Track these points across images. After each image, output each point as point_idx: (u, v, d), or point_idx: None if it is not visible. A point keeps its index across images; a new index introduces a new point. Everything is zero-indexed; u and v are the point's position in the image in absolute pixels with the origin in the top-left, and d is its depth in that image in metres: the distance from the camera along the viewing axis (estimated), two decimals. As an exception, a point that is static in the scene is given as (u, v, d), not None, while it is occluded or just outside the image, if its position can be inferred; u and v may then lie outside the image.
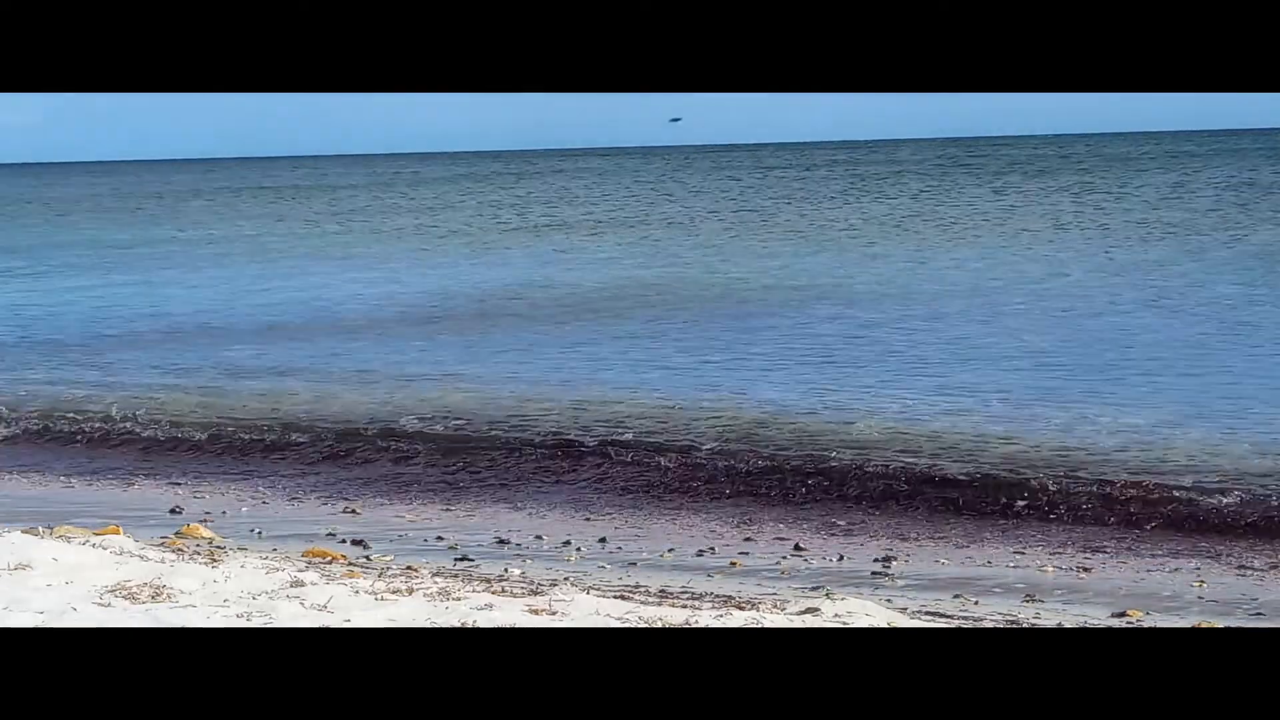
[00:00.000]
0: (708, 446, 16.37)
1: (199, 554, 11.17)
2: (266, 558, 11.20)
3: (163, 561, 10.17)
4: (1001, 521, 13.44)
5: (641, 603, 9.57)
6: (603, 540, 12.96)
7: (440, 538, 13.14)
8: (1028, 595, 11.06)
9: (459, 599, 9.09)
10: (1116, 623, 10.28)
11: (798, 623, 8.87)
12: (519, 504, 14.64)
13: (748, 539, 13.00)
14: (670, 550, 12.51)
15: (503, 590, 9.89)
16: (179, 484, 15.86)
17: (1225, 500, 13.61)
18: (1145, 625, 10.25)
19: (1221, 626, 9.99)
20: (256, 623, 8.28)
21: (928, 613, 10.27)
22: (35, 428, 18.91)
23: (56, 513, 13.80)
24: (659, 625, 8.46)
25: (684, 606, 9.58)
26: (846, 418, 17.45)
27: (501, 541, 12.95)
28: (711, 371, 21.07)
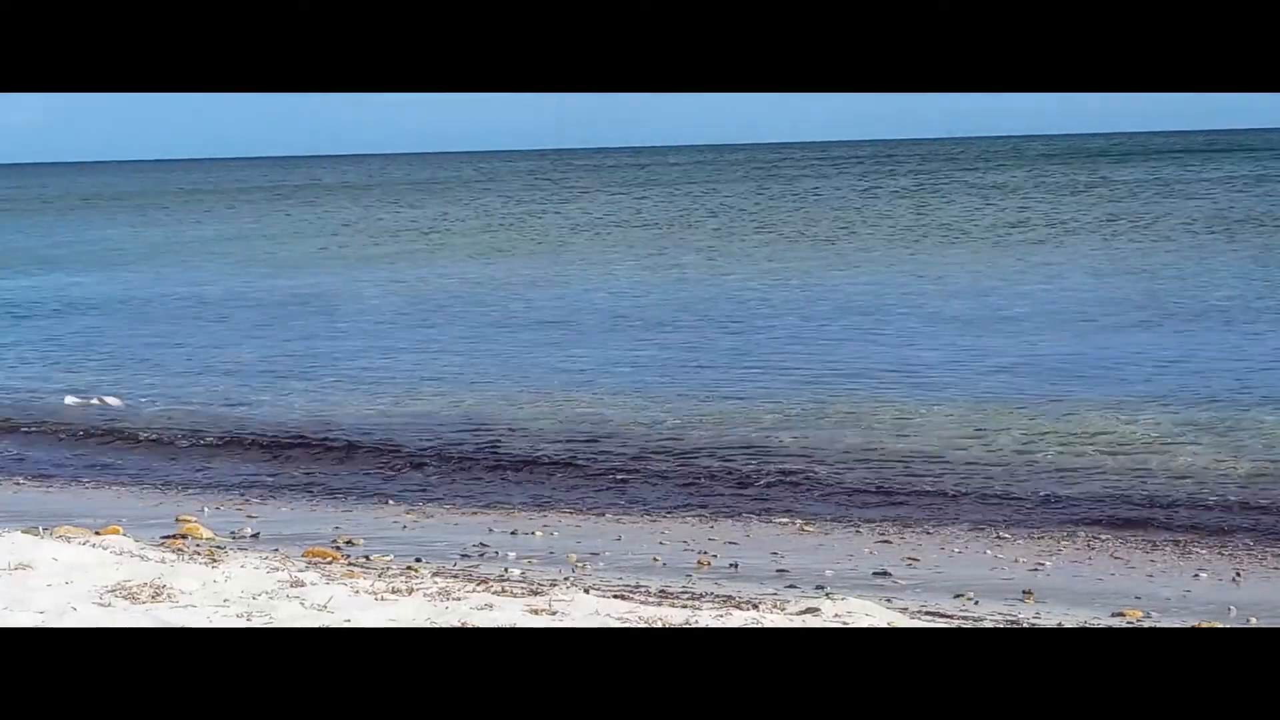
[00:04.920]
0: (703, 452, 16.39)
1: (199, 554, 11.16)
2: (266, 558, 11.20)
3: (163, 561, 10.16)
4: (997, 524, 13.44)
5: (641, 603, 9.56)
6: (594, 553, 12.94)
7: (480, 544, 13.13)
8: (1026, 593, 11.06)
9: (459, 599, 9.09)
10: (1116, 623, 10.27)
11: (798, 623, 8.86)
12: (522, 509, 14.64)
13: (734, 543, 13.00)
14: (658, 557, 12.44)
15: (503, 590, 9.88)
16: (181, 485, 15.86)
17: (1221, 504, 13.62)
18: (1145, 625, 10.25)
19: (1221, 627, 9.98)
20: (256, 623, 8.27)
21: (928, 613, 10.26)
22: (37, 427, 18.91)
23: (57, 513, 13.80)
24: (659, 625, 8.45)
25: (684, 606, 9.57)
26: (843, 422, 17.47)
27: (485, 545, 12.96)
28: (706, 376, 21.08)
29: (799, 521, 13.53)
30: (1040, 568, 11.92)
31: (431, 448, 16.91)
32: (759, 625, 8.49)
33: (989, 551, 12.46)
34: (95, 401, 20.24)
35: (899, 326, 24.98)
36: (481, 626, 8.19)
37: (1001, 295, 28.81)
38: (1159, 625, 10.22)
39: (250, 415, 19.19)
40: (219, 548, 12.08)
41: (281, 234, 56.81)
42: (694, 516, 13.86)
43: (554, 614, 8.67)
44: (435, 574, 10.74)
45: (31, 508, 14.31)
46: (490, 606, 8.84)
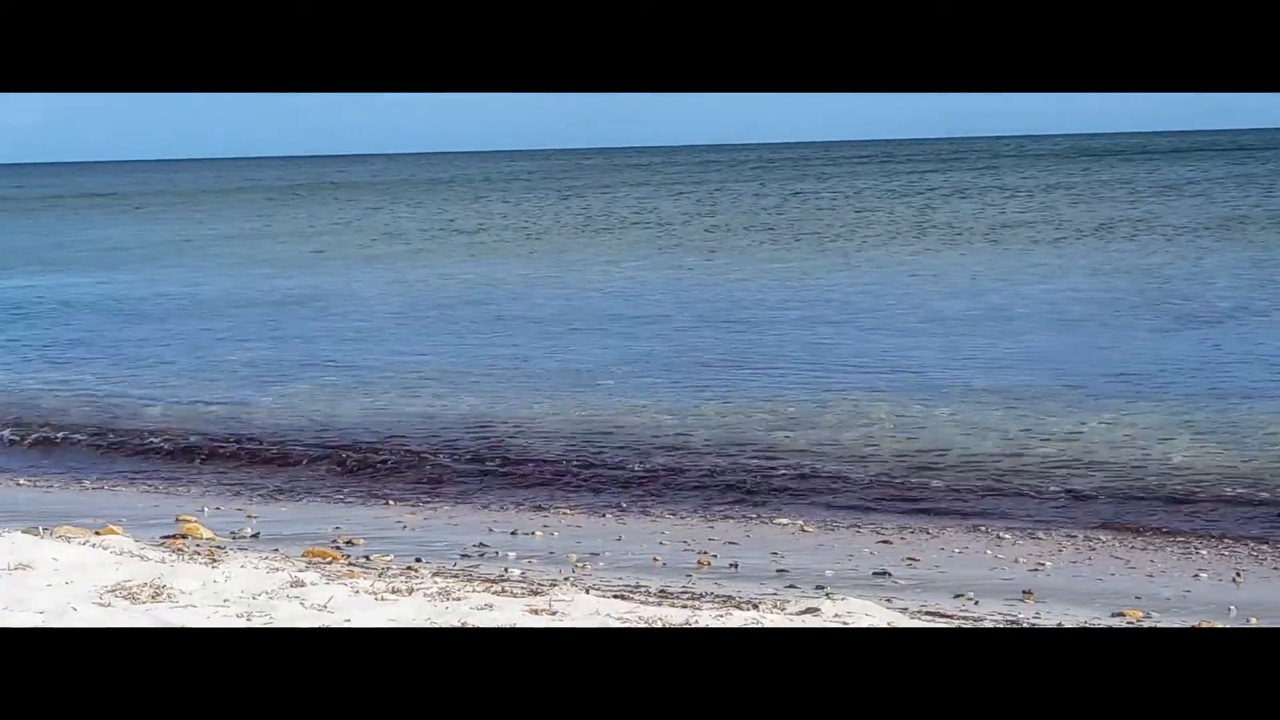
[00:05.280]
0: (703, 452, 16.39)
1: (199, 554, 11.16)
2: (266, 558, 11.19)
3: (163, 561, 10.16)
4: (997, 524, 13.44)
5: (641, 603, 9.56)
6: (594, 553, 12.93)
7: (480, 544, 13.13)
8: (1026, 593, 11.06)
9: (459, 599, 9.09)
10: (1116, 623, 10.27)
11: (798, 623, 8.86)
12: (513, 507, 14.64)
13: (734, 543, 13.00)
14: (658, 557, 12.43)
15: (503, 590, 9.88)
16: (181, 485, 15.86)
17: (1218, 501, 13.63)
18: (1145, 625, 10.24)
19: (1221, 627, 9.98)
20: (256, 623, 8.27)
21: (928, 613, 10.26)
22: (36, 429, 18.90)
23: (56, 513, 13.81)
24: (659, 625, 8.45)
25: (684, 606, 9.57)
26: (842, 422, 17.48)
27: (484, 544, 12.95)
28: (707, 376, 21.09)
29: (799, 521, 13.53)
30: (1040, 568, 11.92)
31: (431, 448, 16.91)
32: (759, 625, 8.49)
33: (989, 551, 12.46)
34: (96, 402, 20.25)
35: (899, 326, 24.98)
36: (481, 626, 8.19)
37: (1001, 295, 28.81)
38: (1159, 625, 10.22)
39: (251, 415, 19.19)
40: (219, 548, 12.08)
41: (283, 233, 56.83)
42: (694, 516, 13.86)
43: (554, 614, 8.67)
44: (435, 574, 10.73)
45: (31, 508, 14.32)
46: (490, 606, 8.84)
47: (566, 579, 11.15)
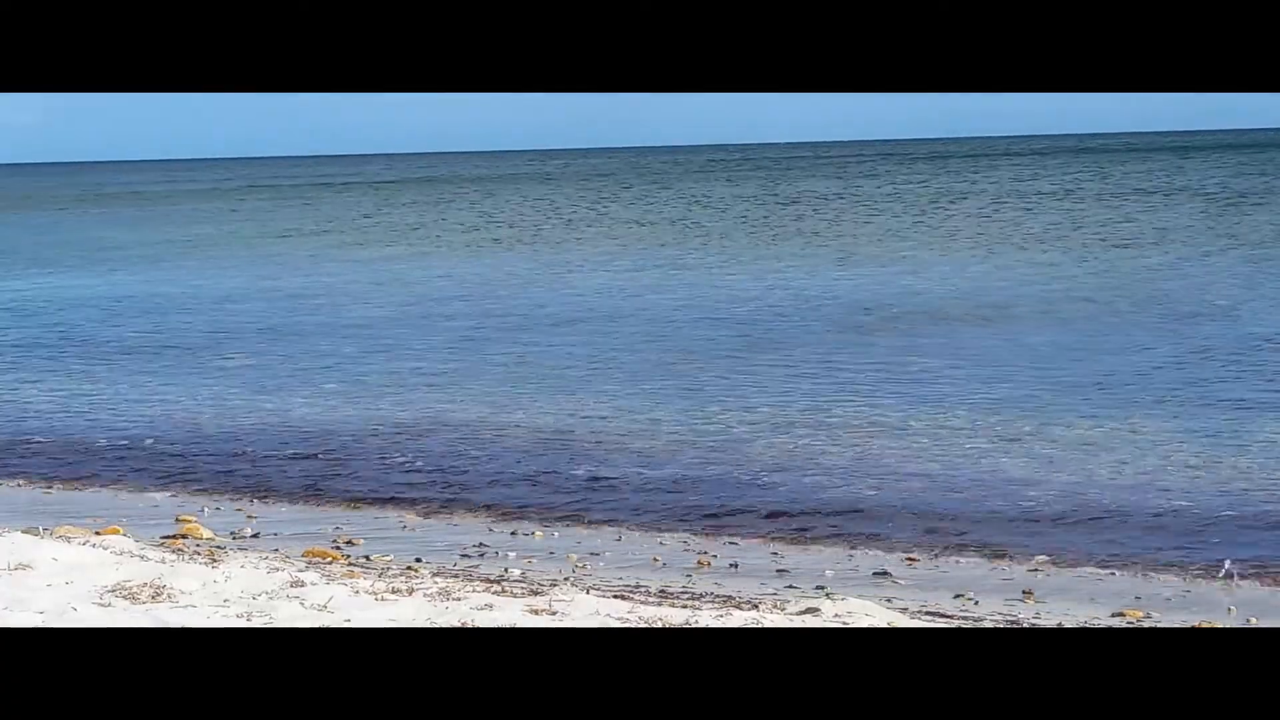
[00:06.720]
0: (702, 452, 16.39)
1: (199, 554, 11.16)
2: (266, 558, 11.19)
3: (163, 561, 10.15)
4: (996, 524, 13.43)
5: (641, 603, 9.56)
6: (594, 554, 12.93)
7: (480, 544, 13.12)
8: (1026, 593, 11.07)
9: (459, 599, 9.09)
10: (1116, 623, 10.27)
11: (798, 623, 8.86)
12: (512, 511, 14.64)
13: (734, 543, 12.99)
14: (658, 557, 12.43)
15: (503, 590, 9.88)
16: (181, 485, 15.85)
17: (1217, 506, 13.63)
18: (1145, 625, 10.24)
19: (1221, 627, 9.98)
20: (256, 623, 8.27)
21: (928, 613, 10.26)
22: (36, 429, 18.90)
23: (56, 513, 13.80)
24: (659, 625, 8.45)
25: (684, 606, 9.57)
26: (842, 422, 17.48)
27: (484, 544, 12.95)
28: (706, 376, 21.09)
29: (799, 521, 13.53)
30: (1040, 568, 11.92)
31: (431, 448, 16.91)
32: (759, 625, 8.49)
33: (989, 552, 12.46)
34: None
35: (898, 326, 24.98)
36: (481, 626, 8.19)
37: (1001, 295, 28.82)
38: (1159, 625, 10.22)
39: (250, 415, 19.19)
40: (219, 548, 12.08)
41: (282, 233, 56.82)
42: (694, 517, 13.85)
43: (554, 614, 8.67)
44: (435, 574, 10.73)
45: (31, 508, 14.32)
46: (490, 606, 8.84)
47: (566, 579, 11.15)
